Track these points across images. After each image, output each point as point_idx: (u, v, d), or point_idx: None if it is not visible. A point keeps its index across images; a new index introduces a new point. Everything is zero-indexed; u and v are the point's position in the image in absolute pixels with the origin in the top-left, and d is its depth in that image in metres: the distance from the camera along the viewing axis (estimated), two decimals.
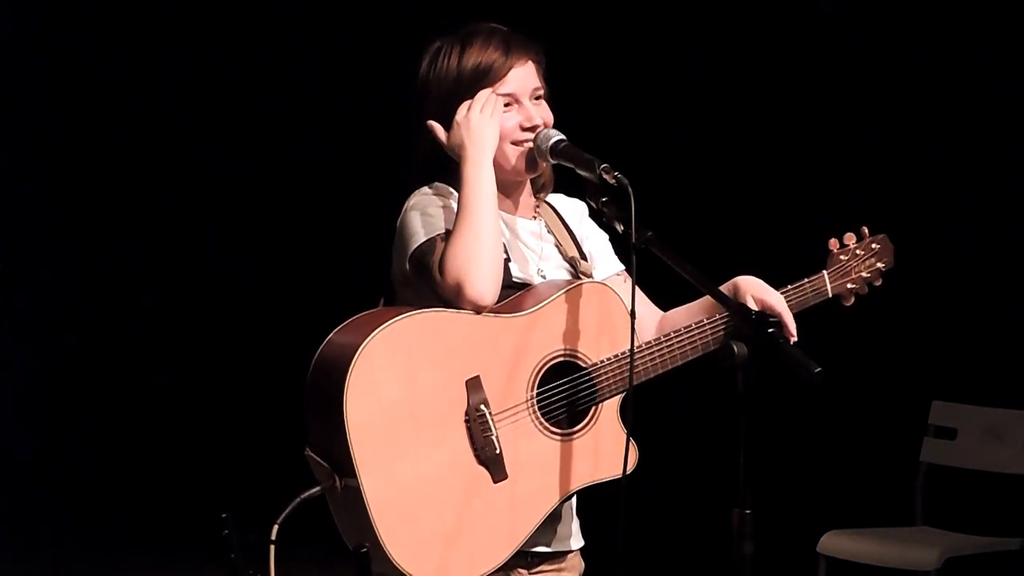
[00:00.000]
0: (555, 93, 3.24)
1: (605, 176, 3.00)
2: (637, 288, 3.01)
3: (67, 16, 7.99)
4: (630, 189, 2.95)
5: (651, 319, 3.28)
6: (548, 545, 3.13)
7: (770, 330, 2.81)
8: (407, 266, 3.09)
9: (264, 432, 7.80)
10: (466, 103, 3.10)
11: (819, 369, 2.76)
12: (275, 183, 7.88)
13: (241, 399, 7.99)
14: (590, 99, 6.49)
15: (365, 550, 2.88)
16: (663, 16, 6.75)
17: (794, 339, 3.17)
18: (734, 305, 3.03)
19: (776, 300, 3.19)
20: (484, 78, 3.11)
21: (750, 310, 3.00)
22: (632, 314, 2.99)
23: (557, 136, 3.13)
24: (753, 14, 6.59)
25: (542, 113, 3.16)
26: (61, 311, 8.26)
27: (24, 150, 8.10)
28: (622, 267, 3.31)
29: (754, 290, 3.20)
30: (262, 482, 7.61)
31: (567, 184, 3.26)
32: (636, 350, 3.06)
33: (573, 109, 3.33)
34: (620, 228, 3.00)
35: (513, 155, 3.14)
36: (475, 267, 2.98)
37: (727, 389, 2.83)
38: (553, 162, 3.14)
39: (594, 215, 3.27)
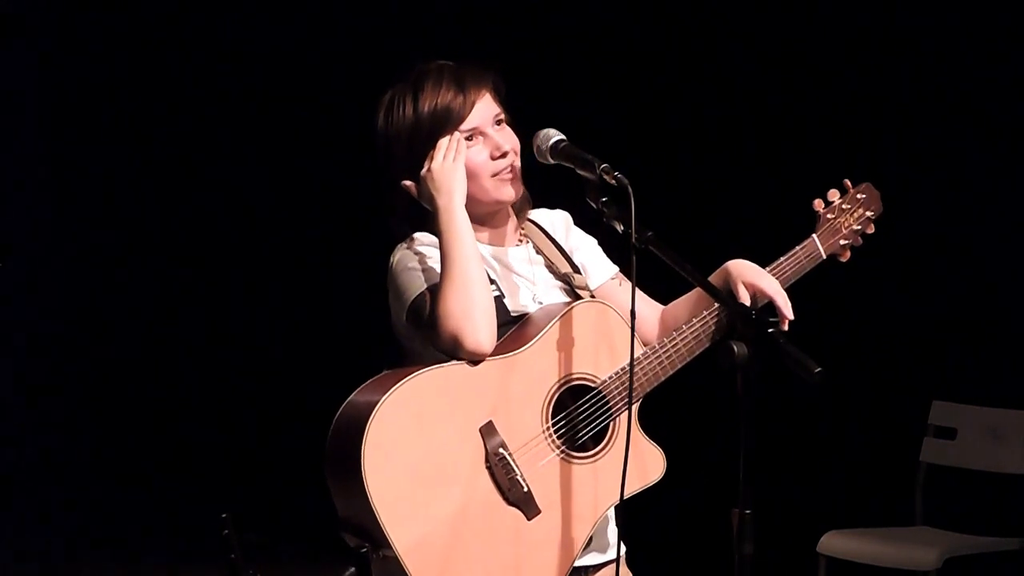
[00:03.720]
0: (547, 95, 3.23)
1: (605, 176, 2.99)
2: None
3: (72, 16, 7.99)
4: (630, 189, 2.95)
5: (652, 315, 3.28)
6: (598, 554, 3.14)
7: (770, 330, 2.81)
8: (405, 320, 3.09)
9: (264, 432, 7.81)
10: (430, 155, 3.07)
11: (819, 369, 2.76)
12: (304, 195, 7.87)
13: (241, 399, 7.99)
14: (575, 96, 6.51)
15: (365, 550, 2.88)
16: (642, 13, 6.77)
17: (790, 318, 3.16)
18: (734, 305, 3.03)
19: (768, 284, 3.17)
20: (445, 121, 3.09)
21: (750, 310, 2.99)
22: (632, 314, 2.99)
23: (557, 136, 3.13)
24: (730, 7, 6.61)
25: (507, 138, 3.14)
26: (65, 311, 8.26)
27: (30, 151, 8.11)
28: (616, 269, 3.31)
29: (745, 275, 3.18)
30: (262, 482, 7.64)
31: (565, 183, 3.25)
32: (644, 357, 3.07)
33: (561, 107, 3.33)
34: (620, 228, 3.00)
35: (492, 188, 3.13)
36: (468, 320, 2.97)
37: (727, 389, 2.83)
38: (553, 162, 3.13)
39: (581, 221, 3.27)
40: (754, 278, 3.18)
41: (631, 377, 3.01)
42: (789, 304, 3.18)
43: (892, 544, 5.58)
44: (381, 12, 7.34)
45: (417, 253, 3.11)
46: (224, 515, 2.92)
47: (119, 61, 8.00)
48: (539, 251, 3.25)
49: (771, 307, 3.18)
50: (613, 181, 2.99)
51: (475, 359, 2.99)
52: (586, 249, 3.31)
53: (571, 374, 3.05)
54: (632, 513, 3.01)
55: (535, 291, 3.18)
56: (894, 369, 6.33)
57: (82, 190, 8.19)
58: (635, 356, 3.03)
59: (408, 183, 3.12)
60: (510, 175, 3.13)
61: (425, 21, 6.75)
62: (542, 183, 3.32)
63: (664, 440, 3.15)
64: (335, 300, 7.61)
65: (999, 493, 5.92)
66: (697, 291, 3.21)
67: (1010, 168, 6.12)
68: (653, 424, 3.12)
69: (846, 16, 6.34)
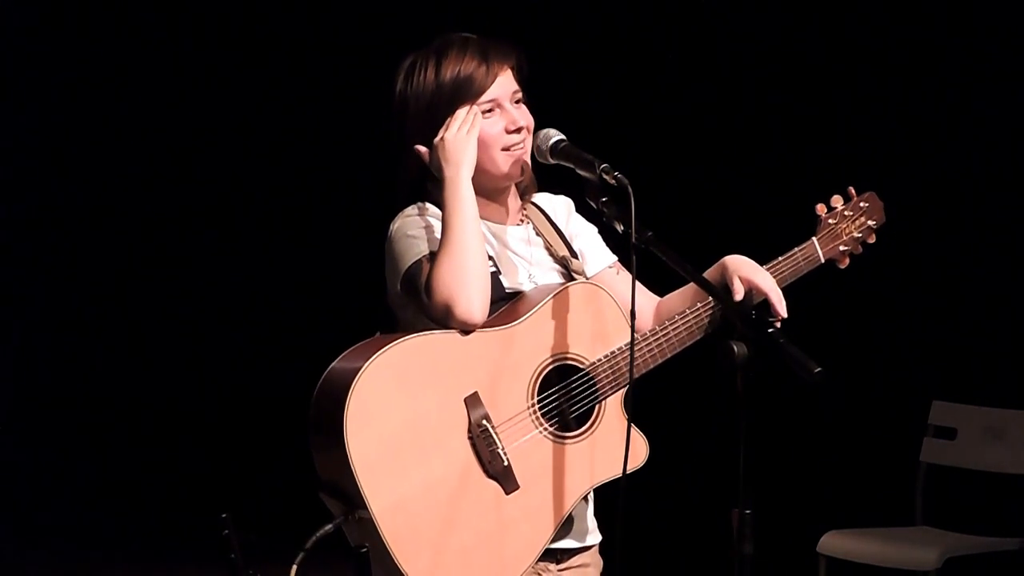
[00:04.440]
0: (545, 92, 3.23)
1: (605, 176, 3.00)
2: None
3: (65, 14, 7.99)
4: (630, 189, 2.95)
5: (648, 306, 3.28)
6: (574, 540, 3.14)
7: (770, 330, 2.81)
8: (399, 288, 3.09)
9: (264, 432, 7.80)
10: (445, 125, 3.08)
11: (819, 369, 2.76)
12: (291, 183, 7.87)
13: (241, 398, 7.98)
14: (576, 96, 6.51)
15: (365, 550, 2.88)
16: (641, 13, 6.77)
17: (784, 316, 3.16)
18: (733, 305, 3.03)
19: (763, 280, 3.18)
20: (466, 90, 3.10)
21: (750, 310, 3.00)
22: (632, 314, 2.99)
23: (557, 136, 3.14)
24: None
25: (523, 115, 3.15)
26: (64, 311, 8.25)
27: (22, 149, 8.10)
28: (615, 258, 3.31)
29: (741, 270, 3.18)
30: (262, 482, 7.63)
31: (567, 183, 3.25)
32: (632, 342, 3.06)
33: (562, 107, 3.33)
34: (620, 228, 3.00)
35: (502, 161, 3.13)
36: (462, 288, 2.97)
37: (727, 389, 2.83)
38: (553, 162, 3.14)
39: (582, 209, 3.27)
40: (750, 273, 3.18)
41: (631, 361, 3.00)
42: (784, 302, 3.18)
43: (892, 544, 5.58)
44: (367, 9, 7.37)
45: (417, 222, 3.11)
46: (224, 515, 2.92)
47: (96, 49, 8.00)
48: (539, 233, 3.25)
49: (767, 305, 3.18)
50: (613, 181, 2.99)
51: (466, 328, 2.99)
52: (586, 236, 3.31)
53: (560, 354, 3.06)
54: (632, 512, 3.00)
55: (531, 271, 3.19)
56: (894, 369, 6.33)
57: (68, 185, 8.17)
58: (628, 343, 3.04)
59: (421, 148, 3.12)
60: (521, 152, 3.14)
61: (417, 21, 6.76)
62: (541, 183, 3.32)
63: (664, 440, 3.15)
64: (337, 299, 7.60)
65: (999, 493, 5.92)
66: (693, 285, 3.21)
67: (1010, 168, 6.12)
68: (653, 424, 3.12)
69: (852, 16, 6.34)
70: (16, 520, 7.88)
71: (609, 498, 3.14)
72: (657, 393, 3.26)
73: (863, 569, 5.62)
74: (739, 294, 3.16)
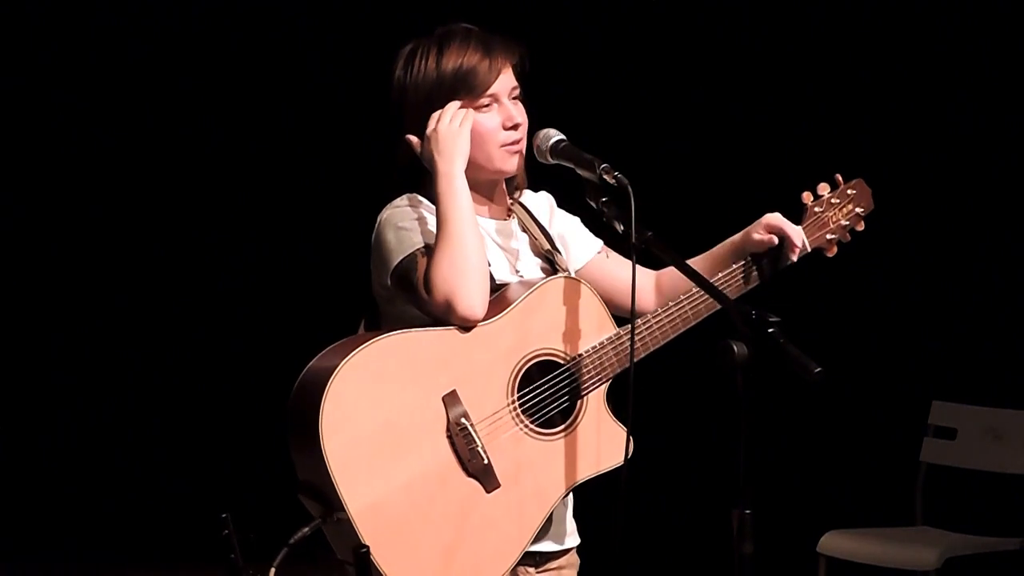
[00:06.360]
0: (546, 92, 3.23)
1: (605, 176, 2.99)
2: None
3: (62, 11, 7.98)
4: (630, 189, 2.95)
5: (648, 283, 3.28)
6: (554, 543, 3.11)
7: (770, 330, 2.80)
8: (389, 282, 3.06)
9: (263, 432, 7.80)
10: (435, 115, 3.06)
11: (819, 369, 2.75)
12: (281, 169, 7.87)
13: (241, 398, 7.98)
14: (575, 95, 6.52)
15: (365, 550, 2.88)
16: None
17: (798, 250, 3.20)
18: (733, 305, 3.03)
19: (782, 219, 3.20)
20: (468, 83, 3.07)
21: (750, 310, 2.99)
22: (632, 315, 2.99)
23: (557, 136, 3.12)
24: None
25: (520, 112, 3.13)
26: (63, 309, 8.25)
27: (16, 148, 8.09)
28: (601, 243, 3.29)
29: (767, 217, 3.21)
30: (262, 482, 7.63)
31: (567, 183, 3.25)
32: (617, 337, 3.06)
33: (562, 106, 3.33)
34: (620, 228, 3.00)
35: (497, 156, 3.12)
36: (463, 283, 2.95)
37: (727, 389, 2.83)
38: (553, 162, 3.13)
39: (564, 203, 3.27)
40: (772, 217, 3.21)
41: (632, 350, 2.99)
42: (801, 237, 3.20)
43: (892, 544, 5.58)
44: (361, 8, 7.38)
45: (408, 213, 3.08)
46: (224, 515, 2.91)
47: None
48: (524, 229, 3.24)
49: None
50: (613, 181, 2.98)
51: (465, 324, 2.97)
52: (571, 229, 3.30)
53: (540, 349, 3.03)
54: (632, 511, 3.00)
55: (518, 266, 3.17)
56: (894, 369, 6.33)
57: (66, 184, 8.17)
58: (609, 337, 3.05)
59: (412, 138, 3.10)
60: (516, 148, 3.13)
61: (409, 17, 6.75)
62: (541, 183, 3.32)
63: (665, 441, 3.14)
64: (339, 297, 7.60)
65: (999, 493, 5.93)
66: (700, 258, 3.26)
67: (1010, 168, 6.12)
68: (653, 424, 3.11)
69: (846, 13, 6.34)
70: (15, 520, 7.87)
71: (593, 499, 3.14)
72: (656, 394, 3.25)
73: (863, 569, 5.62)
74: (759, 236, 3.20)
